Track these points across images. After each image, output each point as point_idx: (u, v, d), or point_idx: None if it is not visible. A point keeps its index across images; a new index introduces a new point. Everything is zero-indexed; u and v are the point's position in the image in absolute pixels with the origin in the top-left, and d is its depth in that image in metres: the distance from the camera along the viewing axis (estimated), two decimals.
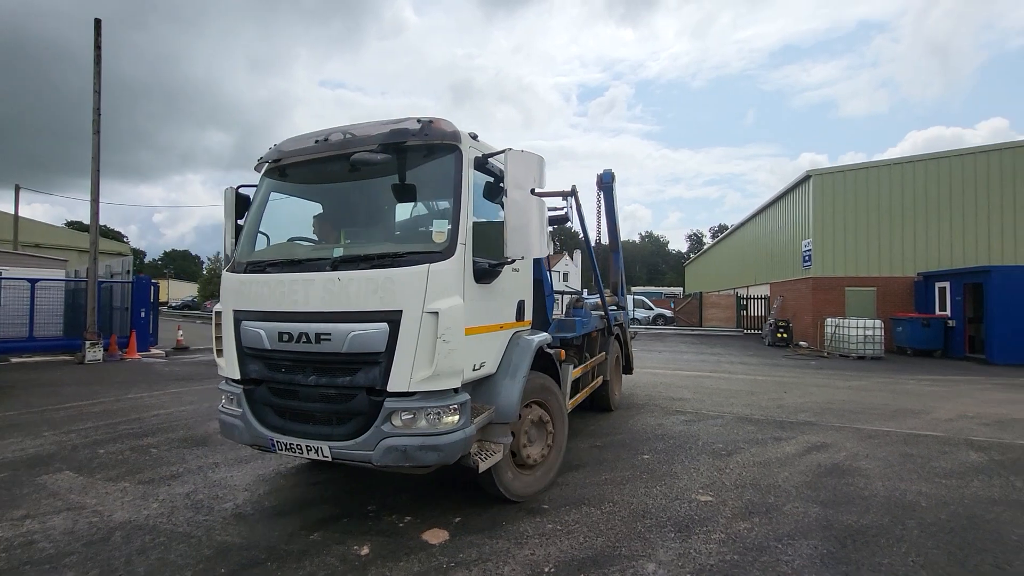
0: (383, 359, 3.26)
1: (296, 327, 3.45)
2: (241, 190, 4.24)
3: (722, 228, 74.29)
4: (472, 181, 3.62)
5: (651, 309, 32.03)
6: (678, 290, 50.80)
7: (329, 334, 3.35)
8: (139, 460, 5.09)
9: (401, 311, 3.26)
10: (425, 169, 3.65)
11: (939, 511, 3.96)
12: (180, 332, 16.37)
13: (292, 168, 3.98)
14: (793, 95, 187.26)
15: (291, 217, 4.27)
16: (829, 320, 16.65)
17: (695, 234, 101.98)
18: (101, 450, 5.41)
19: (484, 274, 3.63)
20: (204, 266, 58.54)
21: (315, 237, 4.15)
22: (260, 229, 4.10)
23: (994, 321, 14.20)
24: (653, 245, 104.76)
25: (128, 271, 14.43)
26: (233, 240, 4.12)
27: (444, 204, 3.63)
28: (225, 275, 3.95)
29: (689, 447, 5.62)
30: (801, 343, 18.62)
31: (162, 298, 32.32)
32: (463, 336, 3.35)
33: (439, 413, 3.27)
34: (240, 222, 4.20)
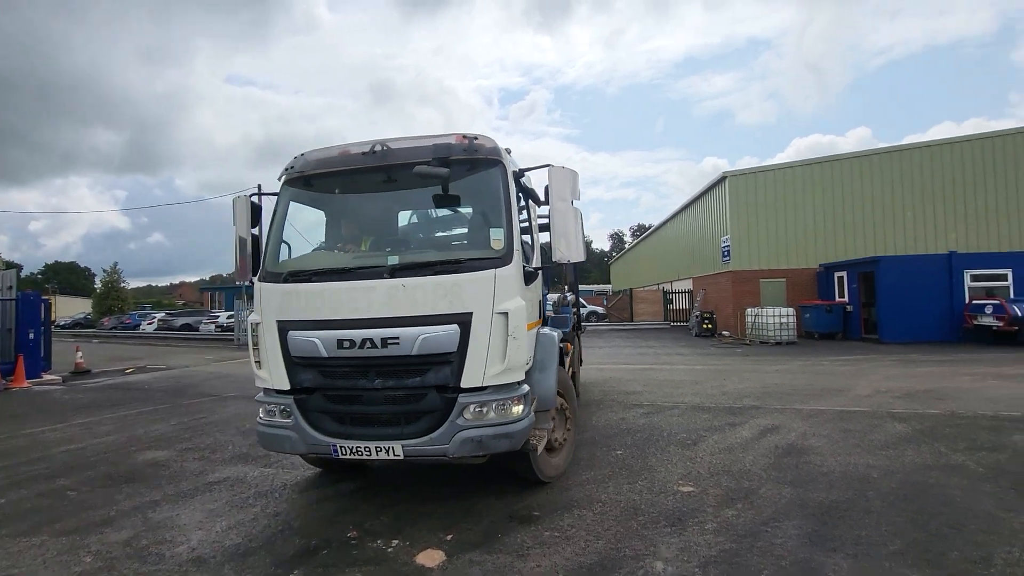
0: (455, 358, 3.53)
1: (358, 333, 3.56)
2: (253, 199, 4.30)
3: (642, 227, 78.06)
4: (514, 193, 3.94)
5: (584, 306, 32.97)
6: (607, 287, 52.68)
7: (397, 338, 3.51)
8: (55, 506, 4.35)
9: (471, 313, 3.54)
10: (469, 182, 3.88)
11: (889, 481, 4.33)
12: (79, 354, 14.41)
13: (325, 178, 4.06)
14: (696, 104, 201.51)
15: (307, 225, 4.33)
16: (749, 310, 18.00)
17: (616, 233, 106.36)
18: (1, 499, 4.56)
19: (529, 277, 4.00)
20: (98, 279, 52.17)
21: (343, 245, 4.28)
22: (283, 238, 4.15)
23: (883, 305, 16.08)
24: None
25: (11, 286, 12.44)
26: (249, 250, 4.14)
27: (485, 214, 3.91)
28: (263, 286, 3.92)
29: (657, 439, 5.76)
30: (724, 332, 19.98)
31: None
32: (525, 333, 3.68)
33: (507, 404, 3.59)
34: (254, 231, 4.22)
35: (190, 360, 17.07)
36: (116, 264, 52.45)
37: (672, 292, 27.92)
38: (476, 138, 3.90)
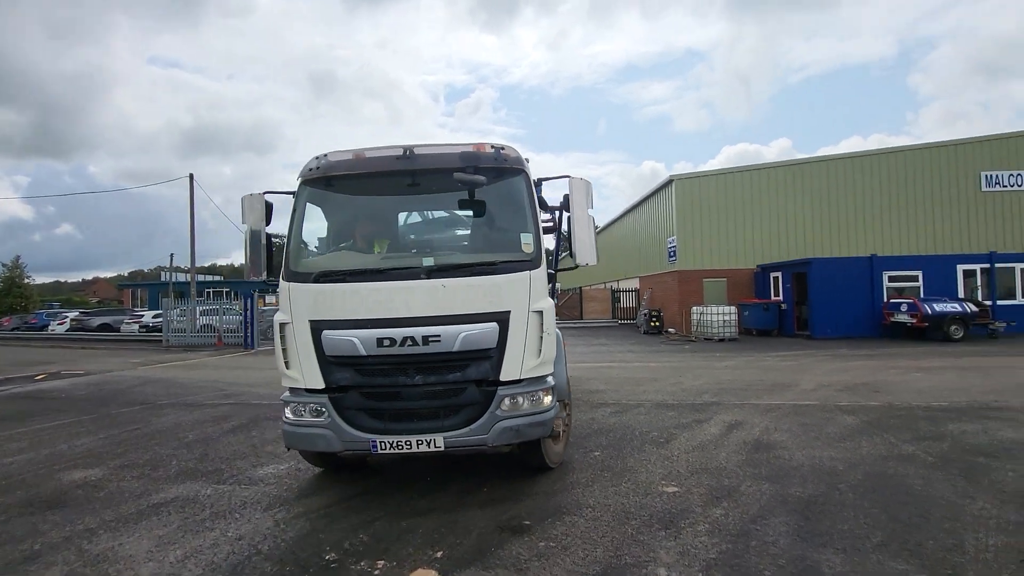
0: (494, 353, 3.80)
1: (399, 332, 3.69)
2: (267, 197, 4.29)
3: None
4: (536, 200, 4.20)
5: None
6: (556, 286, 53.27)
7: (439, 336, 3.69)
8: None
9: (509, 311, 3.81)
10: (497, 188, 4.09)
11: (855, 473, 4.55)
12: None
13: (350, 180, 4.13)
14: (636, 109, 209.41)
15: (326, 226, 4.39)
16: (695, 308, 18.76)
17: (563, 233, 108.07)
18: None
19: (550, 278, 4.28)
20: None
21: (367, 246, 4.35)
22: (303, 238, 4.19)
23: (814, 304, 17.26)
24: None
25: None
26: (263, 249, 4.17)
27: (513, 219, 4.16)
28: (293, 286, 3.90)
29: (631, 439, 5.79)
30: (671, 330, 20.72)
31: None
32: (554, 330, 4.10)
33: (539, 395, 3.93)
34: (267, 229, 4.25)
35: (113, 364, 15.52)
36: (18, 258, 47.13)
37: (620, 291, 28.67)
38: (503, 148, 4.16)
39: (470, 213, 4.30)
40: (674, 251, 21.24)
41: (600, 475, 4.66)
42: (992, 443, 5.32)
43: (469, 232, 4.50)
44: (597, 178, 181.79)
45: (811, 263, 17.57)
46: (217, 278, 56.29)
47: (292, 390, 3.96)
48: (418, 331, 3.70)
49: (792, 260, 19.23)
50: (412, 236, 4.66)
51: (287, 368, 3.91)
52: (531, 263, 3.92)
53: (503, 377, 3.82)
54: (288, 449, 4.28)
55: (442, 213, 4.64)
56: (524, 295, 3.86)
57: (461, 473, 4.77)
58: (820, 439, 5.60)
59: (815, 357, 12.73)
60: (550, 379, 4.05)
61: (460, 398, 3.83)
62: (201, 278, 34.57)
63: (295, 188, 4.29)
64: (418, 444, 3.74)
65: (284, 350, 3.90)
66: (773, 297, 19.51)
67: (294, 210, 4.16)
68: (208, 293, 37.77)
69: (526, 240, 4.01)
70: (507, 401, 3.81)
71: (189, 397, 9.30)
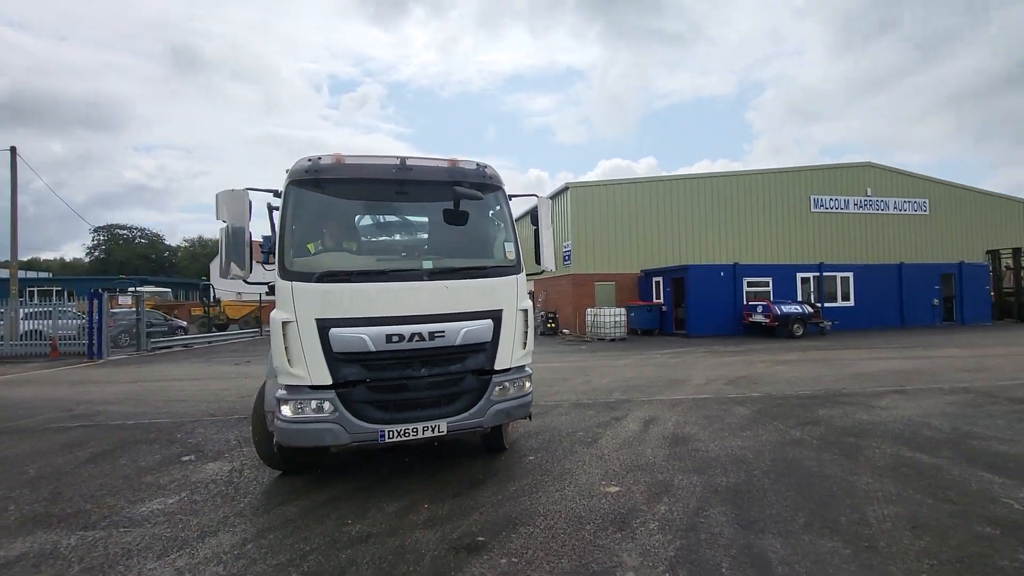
0: (489, 346, 4.30)
1: (407, 328, 4.01)
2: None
3: None
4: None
5: None
6: None
7: (443, 332, 4.09)
8: None
9: (502, 310, 4.36)
10: (480, 201, 4.52)
11: (762, 460, 5.05)
12: None
13: (343, 184, 4.33)
14: (523, 118, 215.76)
15: (315, 227, 4.44)
16: (589, 310, 19.77)
17: None
18: None
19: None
20: None
21: (357, 248, 4.64)
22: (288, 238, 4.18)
23: (691, 305, 19.18)
24: None
25: None
26: (246, 246, 4.15)
27: (495, 230, 4.76)
28: (296, 285, 3.94)
29: (559, 440, 5.83)
30: (565, 330, 21.62)
31: None
32: (533, 326, 4.69)
33: (522, 381, 4.53)
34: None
35: None
36: None
37: None
38: (486, 167, 4.74)
39: (461, 222, 4.49)
40: (569, 255, 22.21)
41: (541, 480, 4.60)
42: (855, 425, 6.27)
43: (458, 239, 4.67)
44: None
45: (688, 269, 19.51)
46: (44, 274, 46.74)
47: (290, 388, 3.96)
48: (425, 328, 4.07)
49: (672, 266, 21.19)
50: (407, 241, 4.94)
51: (290, 366, 3.91)
52: (515, 268, 4.56)
53: (496, 367, 4.35)
54: (278, 449, 4.33)
55: (437, 221, 4.63)
56: (513, 295, 4.46)
57: (393, 489, 4.39)
58: (725, 430, 6.15)
59: (695, 354, 14.11)
60: (529, 368, 4.68)
61: (460, 387, 4.26)
62: (23, 274, 28.14)
63: (274, 187, 4.53)
64: (424, 431, 4.08)
65: (287, 348, 3.91)
66: (655, 299, 21.30)
67: (284, 210, 4.17)
68: (30, 293, 31.11)
69: (509, 248, 4.63)
70: (499, 388, 4.35)
71: (22, 420, 7.48)
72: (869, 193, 26.79)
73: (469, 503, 4.10)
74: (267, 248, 4.58)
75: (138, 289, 24.43)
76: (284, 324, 3.90)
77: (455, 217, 4.38)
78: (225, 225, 4.17)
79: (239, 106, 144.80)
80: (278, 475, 4.84)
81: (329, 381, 3.92)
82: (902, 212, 27.43)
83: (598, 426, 6.44)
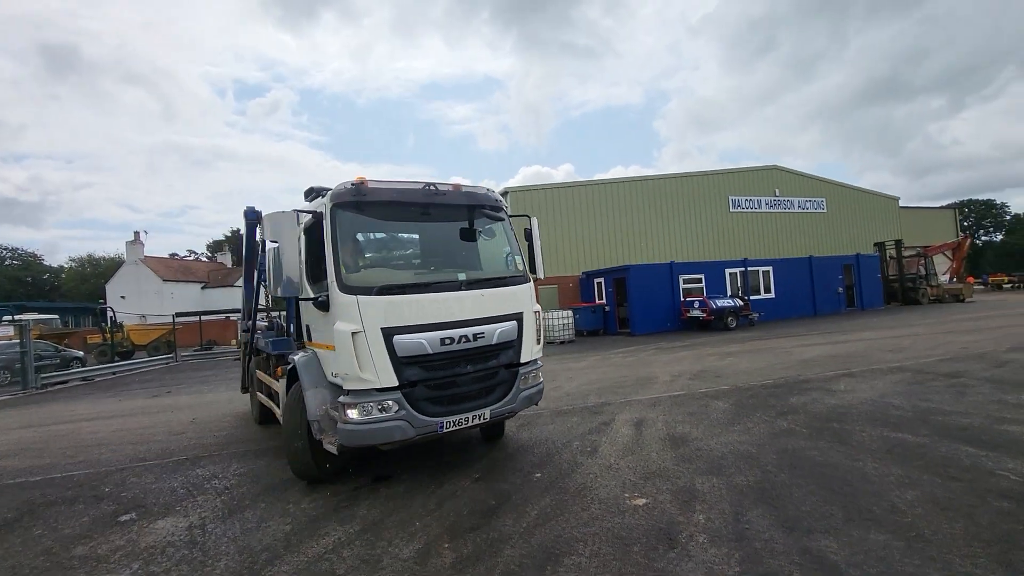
0: (515, 343, 4.99)
1: (456, 332, 4.60)
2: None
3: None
4: None
5: None
6: None
7: (483, 333, 4.73)
8: None
9: (522, 312, 5.08)
10: (495, 223, 5.45)
11: (767, 454, 5.06)
12: None
13: (381, 207, 4.78)
14: (443, 126, 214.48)
15: (359, 244, 4.90)
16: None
17: None
18: None
19: None
20: None
21: (396, 263, 5.28)
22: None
23: (634, 304, 19.72)
24: None
25: None
26: (301, 264, 4.68)
27: (506, 246, 5.50)
28: (361, 299, 4.33)
29: (558, 453, 5.52)
30: None
31: None
32: (542, 325, 5.44)
33: (537, 372, 5.31)
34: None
35: None
36: None
37: None
38: (494, 192, 5.49)
39: (476, 239, 5.36)
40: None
41: (560, 500, 4.26)
42: (829, 410, 6.55)
43: (477, 254, 5.42)
44: None
45: (629, 269, 20.05)
46: None
47: (354, 392, 4.37)
48: (470, 330, 4.69)
49: (613, 267, 21.70)
50: (440, 256, 5.32)
51: (361, 371, 4.27)
52: (525, 278, 5.35)
53: (522, 360, 5.10)
54: (339, 453, 4.51)
55: (460, 239, 5.29)
56: (529, 300, 5.26)
57: (400, 528, 3.86)
58: (715, 426, 6.16)
59: (646, 351, 14.42)
60: (539, 360, 5.40)
61: (496, 379, 4.94)
62: None
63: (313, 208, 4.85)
64: (472, 419, 4.74)
65: (357, 356, 4.26)
66: (597, 300, 21.69)
67: (332, 230, 4.51)
68: None
69: (518, 261, 5.43)
70: (524, 378, 5.11)
71: None
72: (777, 193, 29.22)
73: (494, 536, 3.68)
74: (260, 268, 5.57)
75: (17, 318, 20.98)
76: (354, 335, 4.26)
77: (471, 235, 5.24)
78: (276, 245, 4.68)
79: (131, 112, 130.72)
80: (251, 527, 4.11)
81: (395, 383, 4.37)
82: (804, 211, 30.21)
83: (590, 433, 6.21)
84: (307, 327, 5.22)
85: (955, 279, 31.72)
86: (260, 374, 7.38)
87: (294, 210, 4.63)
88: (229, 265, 54.92)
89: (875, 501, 3.82)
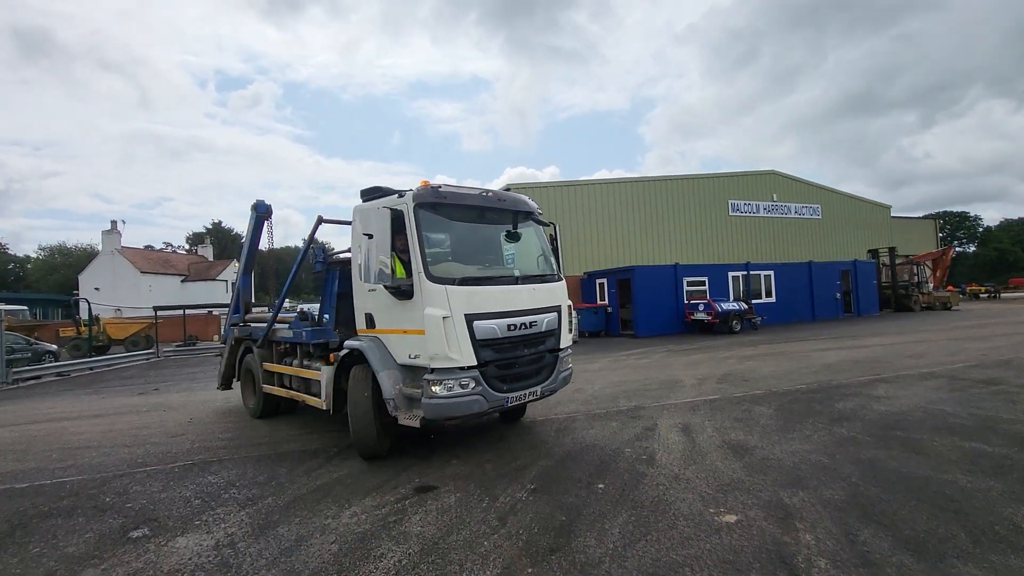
0: (557, 332, 5.76)
1: (518, 320, 5.30)
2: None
3: None
4: None
5: None
6: None
7: (536, 321, 5.46)
8: None
9: (560, 305, 5.86)
10: (536, 227, 6.16)
11: (845, 465, 4.69)
12: None
13: (453, 208, 5.36)
14: (429, 124, 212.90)
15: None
16: None
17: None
18: None
19: None
20: None
21: (464, 257, 5.57)
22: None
23: (638, 306, 19.42)
24: (318, 252, 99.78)
25: None
26: (392, 256, 5.03)
27: (543, 247, 6.15)
28: (448, 288, 4.88)
29: (613, 462, 5.08)
30: None
31: None
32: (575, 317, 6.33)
33: (568, 357, 6.05)
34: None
35: None
36: None
37: None
38: (534, 201, 6.19)
39: (524, 241, 5.93)
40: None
41: (639, 516, 3.82)
42: (883, 417, 6.24)
43: (524, 254, 5.98)
44: None
45: (634, 270, 19.75)
46: None
47: (439, 371, 4.81)
48: (527, 319, 5.34)
49: (617, 268, 21.39)
50: (493, 254, 5.86)
51: (449, 351, 4.76)
52: (559, 276, 6.07)
53: (561, 346, 5.82)
54: (422, 426, 4.93)
55: (511, 240, 5.91)
56: (564, 295, 5.97)
57: (470, 550, 3.38)
58: (771, 433, 5.80)
59: (657, 353, 14.10)
60: (570, 348, 6.09)
61: (543, 362, 5.60)
62: None
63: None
64: (527, 395, 5.37)
65: (447, 338, 4.75)
66: (599, 301, 21.36)
67: (415, 227, 5.01)
68: None
69: (552, 261, 6.12)
70: (562, 361, 5.83)
71: None
72: (775, 199, 29.33)
73: (580, 558, 3.22)
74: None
75: None
76: (444, 319, 4.77)
77: (517, 237, 5.84)
78: (371, 238, 5.18)
79: (106, 100, 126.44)
80: (289, 545, 3.58)
81: (475, 362, 4.91)
82: (800, 216, 30.39)
83: (637, 439, 5.79)
84: (368, 315, 5.59)
85: (937, 288, 32.31)
86: (272, 365, 7.40)
87: (384, 206, 5.09)
88: (210, 258, 53.31)
89: (993, 520, 3.47)
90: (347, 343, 5.66)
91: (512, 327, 5.17)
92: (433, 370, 4.83)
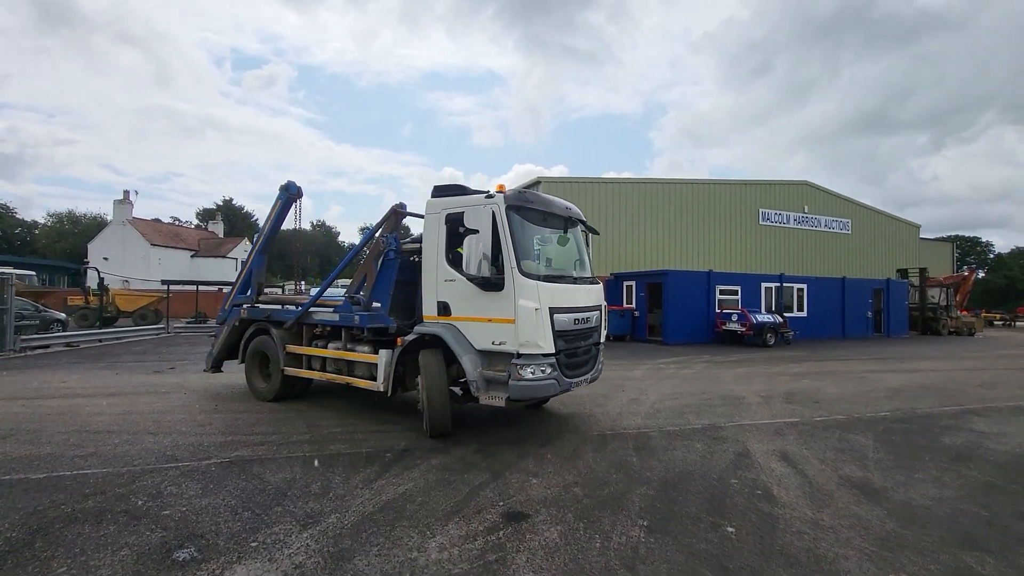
0: (598, 327, 6.51)
1: (580, 315, 5.95)
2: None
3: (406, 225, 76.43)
4: None
5: None
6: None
7: (589, 317, 6.16)
8: None
9: (600, 305, 6.61)
10: (579, 232, 6.84)
11: (1014, 522, 3.98)
12: None
13: (534, 212, 5.94)
14: (442, 116, 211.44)
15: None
16: None
17: (367, 227, 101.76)
18: None
19: None
20: None
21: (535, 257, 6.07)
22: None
23: (669, 311, 18.68)
24: (325, 236, 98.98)
25: None
26: (499, 254, 5.52)
27: (585, 253, 6.82)
28: (540, 284, 5.47)
29: (726, 498, 4.36)
30: None
31: None
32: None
33: (601, 351, 6.72)
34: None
35: None
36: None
37: None
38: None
39: (574, 245, 6.61)
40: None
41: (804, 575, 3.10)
42: (1010, 458, 5.51)
43: (576, 257, 6.61)
44: (399, 178, 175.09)
45: (667, 274, 18.99)
46: None
47: (524, 356, 5.35)
48: (584, 314, 6.06)
49: (648, 271, 20.64)
50: (553, 256, 6.37)
51: (539, 340, 5.36)
52: (596, 279, 6.69)
53: (600, 341, 6.61)
54: (506, 405, 5.48)
55: (566, 245, 6.55)
56: (602, 296, 6.70)
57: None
58: (890, 471, 5.08)
59: (698, 363, 13.36)
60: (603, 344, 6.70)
61: (591, 353, 6.34)
62: None
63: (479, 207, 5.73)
64: (581, 382, 6.08)
65: (537, 328, 5.36)
66: (626, 304, 20.62)
67: (508, 226, 5.53)
68: None
69: (590, 266, 6.72)
70: (601, 354, 6.63)
71: None
72: (806, 210, 28.50)
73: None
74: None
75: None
76: (536, 311, 5.31)
77: (565, 241, 6.47)
78: (478, 232, 5.51)
79: (123, 72, 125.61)
80: None
81: (554, 350, 5.45)
82: (831, 230, 29.57)
83: (737, 467, 5.08)
84: (443, 304, 5.90)
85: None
86: (302, 348, 7.44)
87: (484, 204, 5.63)
88: (221, 235, 52.71)
89: None
90: (419, 328, 6.06)
91: (577, 321, 5.87)
92: (520, 355, 5.33)
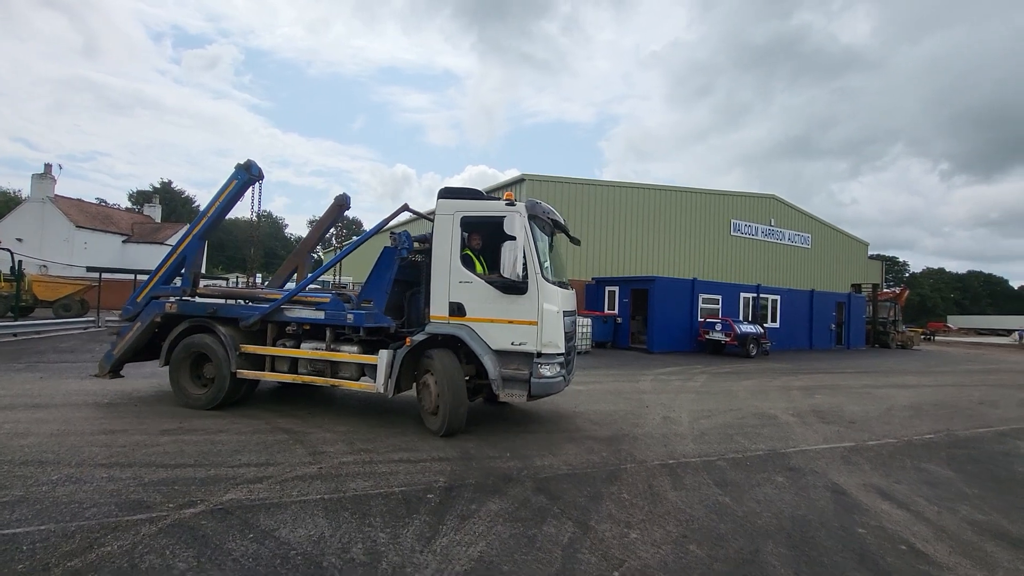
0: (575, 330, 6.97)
1: (572, 318, 6.49)
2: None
3: (356, 221, 73.74)
4: None
5: None
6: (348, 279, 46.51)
7: (576, 320, 6.93)
8: None
9: (575, 309, 6.94)
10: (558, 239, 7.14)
11: None
12: None
13: (541, 221, 6.31)
14: (395, 112, 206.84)
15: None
16: None
17: (314, 220, 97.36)
18: None
19: None
20: None
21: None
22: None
23: (655, 319, 18.26)
24: (272, 227, 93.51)
25: None
26: (527, 260, 5.75)
27: (560, 257, 7.13)
28: (558, 288, 6.09)
29: (868, 554, 3.60)
30: None
31: None
32: None
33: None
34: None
35: None
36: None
37: None
38: None
39: (557, 252, 6.98)
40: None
41: None
42: None
43: (558, 263, 6.91)
44: (347, 171, 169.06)
45: (655, 281, 18.57)
46: None
47: (542, 355, 5.73)
48: (575, 318, 6.93)
49: (634, 276, 20.18)
50: (554, 262, 6.65)
51: (557, 341, 5.84)
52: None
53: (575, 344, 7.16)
54: (529, 397, 5.78)
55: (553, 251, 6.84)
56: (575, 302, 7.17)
57: None
58: (1003, 511, 4.53)
59: (697, 374, 12.87)
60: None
61: (571, 355, 6.64)
62: None
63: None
64: (571, 380, 6.56)
65: (554, 329, 5.82)
66: (606, 310, 20.08)
67: (530, 233, 5.89)
68: None
69: (565, 269, 7.28)
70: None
71: None
72: (772, 223, 29.22)
73: None
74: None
75: None
76: (557, 313, 5.88)
77: (551, 247, 6.76)
78: (516, 240, 5.62)
79: (45, 39, 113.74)
80: None
81: (564, 350, 5.99)
82: (792, 244, 30.50)
83: (848, 512, 4.37)
84: (457, 304, 5.96)
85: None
86: (265, 348, 6.72)
87: (520, 213, 5.81)
88: (158, 220, 48.34)
89: None
90: (431, 328, 6.03)
91: (573, 323, 6.51)
92: (540, 355, 5.69)
